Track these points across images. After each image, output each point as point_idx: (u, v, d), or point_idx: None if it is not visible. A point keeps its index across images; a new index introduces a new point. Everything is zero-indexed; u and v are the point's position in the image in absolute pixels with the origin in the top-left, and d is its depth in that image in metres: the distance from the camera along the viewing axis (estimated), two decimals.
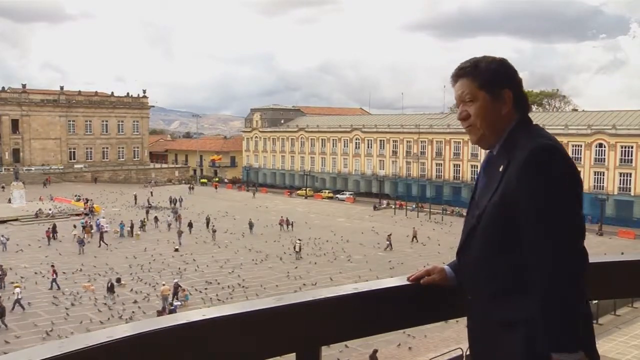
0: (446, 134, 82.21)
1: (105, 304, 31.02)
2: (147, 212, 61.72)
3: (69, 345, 1.54)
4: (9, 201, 66.53)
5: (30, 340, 25.48)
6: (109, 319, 28.61)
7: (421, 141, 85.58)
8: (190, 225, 54.46)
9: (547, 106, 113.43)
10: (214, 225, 53.45)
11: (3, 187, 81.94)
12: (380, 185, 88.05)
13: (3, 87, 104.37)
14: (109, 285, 32.26)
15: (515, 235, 1.91)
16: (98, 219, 55.96)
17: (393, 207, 76.20)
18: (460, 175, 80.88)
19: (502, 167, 1.99)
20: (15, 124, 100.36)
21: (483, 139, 2.11)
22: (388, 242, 48.60)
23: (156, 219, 58.56)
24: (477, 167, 78.33)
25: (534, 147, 1.88)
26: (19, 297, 30.27)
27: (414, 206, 74.75)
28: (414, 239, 52.07)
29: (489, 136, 2.09)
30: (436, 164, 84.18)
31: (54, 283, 34.17)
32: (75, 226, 51.51)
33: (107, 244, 47.18)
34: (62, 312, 29.90)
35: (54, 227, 50.45)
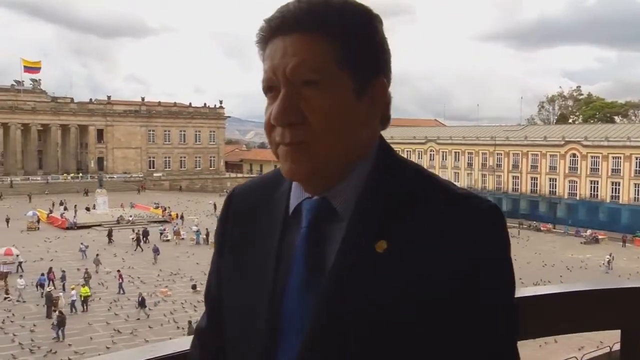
0: (523, 146, 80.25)
1: (137, 319, 30.47)
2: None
3: (159, 350, 1.55)
4: (94, 207, 69.27)
5: (106, 342, 26.46)
6: (178, 327, 29.32)
7: (497, 153, 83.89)
8: None
9: (632, 117, 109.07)
10: None
11: (86, 192, 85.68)
12: None
13: (90, 99, 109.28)
14: (140, 299, 31.51)
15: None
16: (175, 227, 57.54)
17: None
18: (538, 188, 78.66)
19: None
20: (100, 134, 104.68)
21: (322, 172, 1.08)
22: None
23: None
24: (555, 181, 76.24)
25: (485, 215, 1.11)
26: (74, 298, 31.63)
27: None
28: None
29: (336, 167, 1.09)
30: (513, 177, 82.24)
31: (120, 288, 35.42)
32: (133, 230, 53.64)
33: (141, 249, 48.79)
34: (135, 316, 30.89)
35: (110, 232, 52.92)
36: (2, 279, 36.55)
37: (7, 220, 59.00)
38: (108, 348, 25.50)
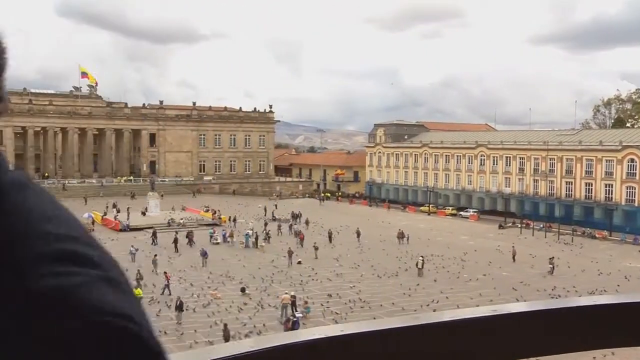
0: (577, 151, 78.44)
1: (178, 323, 30.30)
2: (266, 225, 63.23)
3: (218, 352, 1.55)
4: (146, 209, 70.61)
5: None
6: (238, 332, 29.59)
7: (550, 158, 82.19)
8: (302, 238, 55.49)
9: None
10: (315, 243, 51.94)
11: (133, 195, 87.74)
12: (506, 203, 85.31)
13: (144, 104, 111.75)
14: (178, 303, 31.04)
15: None
16: (224, 231, 58.20)
17: (519, 226, 73.57)
18: (593, 194, 76.73)
19: None
20: (152, 138, 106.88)
21: None
22: (551, 266, 45.80)
23: (279, 226, 62.08)
24: (612, 187, 74.27)
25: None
26: None
27: (541, 226, 71.77)
28: (514, 258, 50.15)
29: None
30: (566, 183, 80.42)
31: (166, 288, 35.96)
32: (177, 232, 54.85)
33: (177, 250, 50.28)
34: (192, 317, 31.30)
35: (154, 234, 54.51)
36: None
37: None
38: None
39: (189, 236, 53.77)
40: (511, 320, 1.97)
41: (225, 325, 27.75)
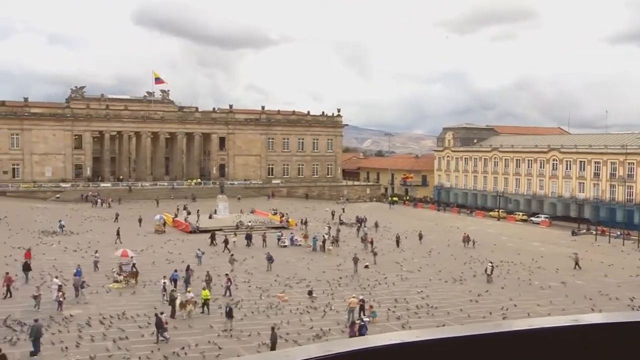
0: None
1: (224, 330, 29.36)
2: (329, 229, 62.70)
3: (295, 355, 1.54)
4: (215, 212, 71.89)
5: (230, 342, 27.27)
6: (299, 333, 29.68)
7: (628, 162, 79.09)
8: (371, 242, 55.03)
9: None
10: (375, 247, 51.74)
11: (194, 198, 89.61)
12: (580, 209, 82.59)
13: (214, 108, 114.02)
14: (227, 309, 30.22)
15: None
16: (292, 234, 58.58)
17: (594, 233, 71.10)
18: None
19: None
20: (222, 141, 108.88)
21: None
22: None
23: (338, 230, 61.60)
24: None
25: None
26: (194, 300, 32.73)
27: (618, 233, 69.11)
28: (577, 265, 48.30)
29: None
30: None
31: (228, 290, 36.31)
32: (235, 234, 56.27)
33: (229, 249, 50.57)
34: (258, 319, 31.58)
35: (213, 235, 55.55)
36: (134, 278, 38.99)
37: (140, 221, 64.73)
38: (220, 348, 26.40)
39: (248, 238, 54.85)
40: (593, 331, 1.86)
41: (273, 328, 27.14)
